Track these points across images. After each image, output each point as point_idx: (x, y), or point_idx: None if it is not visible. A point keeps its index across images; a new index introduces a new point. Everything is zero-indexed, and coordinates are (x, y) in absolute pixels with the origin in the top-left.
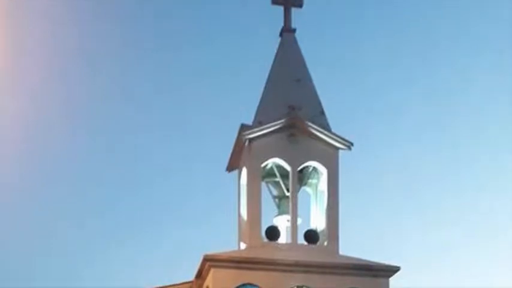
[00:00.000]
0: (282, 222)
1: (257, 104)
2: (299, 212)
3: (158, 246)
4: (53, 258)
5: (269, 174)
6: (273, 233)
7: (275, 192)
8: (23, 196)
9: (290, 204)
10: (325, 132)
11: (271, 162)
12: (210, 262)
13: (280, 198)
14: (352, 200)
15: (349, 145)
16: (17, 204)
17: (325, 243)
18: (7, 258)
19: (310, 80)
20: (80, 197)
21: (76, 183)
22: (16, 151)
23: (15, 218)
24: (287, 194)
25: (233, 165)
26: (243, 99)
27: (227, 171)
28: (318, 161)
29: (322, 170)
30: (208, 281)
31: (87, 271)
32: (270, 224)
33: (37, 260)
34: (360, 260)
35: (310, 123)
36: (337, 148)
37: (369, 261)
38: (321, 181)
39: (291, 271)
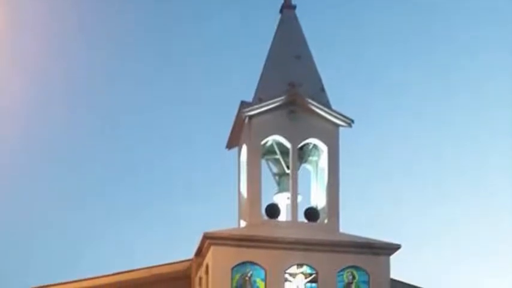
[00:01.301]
0: (282, 200)
1: (257, 81)
2: (299, 189)
3: (158, 224)
4: (53, 237)
5: (269, 151)
6: (273, 210)
7: (275, 170)
8: (23, 175)
9: (290, 181)
10: (326, 109)
11: (271, 139)
12: (209, 240)
13: (281, 176)
14: (353, 177)
15: (349, 122)
16: (17, 184)
17: (326, 221)
18: (7, 238)
19: (310, 56)
20: (80, 175)
21: (76, 161)
22: (16, 130)
23: (15, 197)
24: (287, 171)
25: (233, 142)
26: (243, 76)
27: (227, 149)
28: (318, 138)
29: (323, 147)
30: (208, 258)
31: (86, 250)
32: (270, 202)
33: (37, 239)
34: (361, 237)
35: (310, 100)
36: (338, 125)
37: (369, 239)
38: (321, 158)
39: (291, 249)
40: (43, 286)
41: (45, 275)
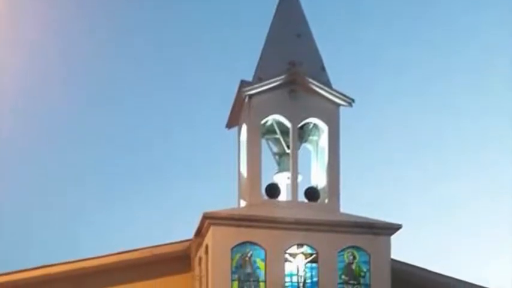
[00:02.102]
0: (282, 180)
1: (257, 59)
2: (299, 169)
3: (157, 204)
4: (51, 215)
5: (269, 131)
6: (273, 190)
7: (275, 149)
8: (21, 152)
9: (290, 161)
10: (326, 88)
11: (271, 118)
12: (209, 220)
13: (281, 155)
14: (353, 157)
15: (350, 101)
16: (15, 160)
17: (326, 201)
18: (6, 214)
19: (310, 35)
20: (79, 153)
21: (75, 139)
22: (15, 106)
23: (14, 174)
24: (287, 151)
25: (233, 122)
26: (243, 55)
27: (227, 128)
28: (318, 117)
29: (323, 127)
30: (208, 239)
31: (85, 228)
32: (270, 182)
33: (36, 216)
34: (361, 217)
35: (310, 79)
36: (338, 104)
37: (370, 219)
38: (322, 138)
39: (291, 229)
40: (45, 265)
41: (44, 255)
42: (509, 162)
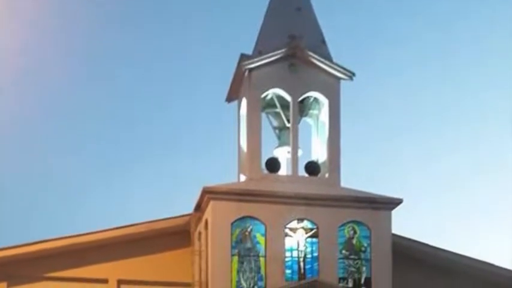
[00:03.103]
0: (283, 154)
1: (257, 33)
2: (300, 143)
3: (157, 178)
4: (52, 191)
5: (269, 104)
6: (273, 164)
7: (275, 123)
8: (22, 126)
9: (291, 135)
10: (327, 61)
11: (271, 92)
12: (209, 194)
13: (281, 130)
14: (354, 131)
15: (350, 75)
16: (16, 135)
17: (326, 175)
18: (7, 186)
19: (311, 8)
20: (79, 128)
21: (75, 113)
22: (15, 81)
23: (15, 148)
24: (287, 125)
25: (233, 95)
26: (243, 29)
27: (227, 102)
28: (319, 91)
29: (324, 101)
30: (207, 213)
31: (85, 204)
32: (270, 156)
33: (36, 191)
34: (362, 192)
35: (311, 53)
36: (339, 78)
37: (370, 194)
38: (322, 112)
39: (291, 203)
40: (43, 240)
41: (43, 230)
42: (510, 136)
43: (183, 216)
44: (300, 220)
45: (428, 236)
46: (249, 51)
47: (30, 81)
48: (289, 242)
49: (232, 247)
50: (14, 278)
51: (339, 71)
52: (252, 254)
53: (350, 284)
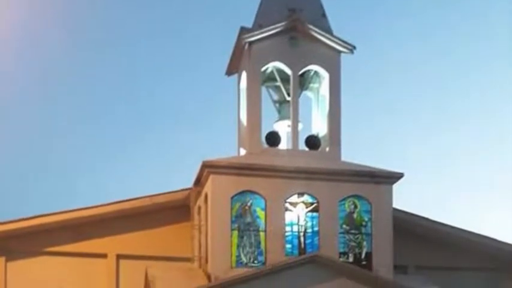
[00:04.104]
0: (283, 128)
1: (257, 6)
2: (300, 117)
3: (156, 152)
4: (51, 166)
5: (269, 78)
6: (273, 138)
7: (275, 97)
8: (22, 106)
9: (291, 109)
10: (327, 35)
11: (271, 66)
12: (209, 168)
13: (281, 103)
14: (355, 105)
15: (351, 48)
16: (16, 115)
17: (327, 149)
18: (6, 160)
19: None
20: (78, 102)
21: (74, 88)
22: (17, 53)
23: (13, 129)
24: (288, 98)
25: (233, 69)
26: (244, 2)
27: (226, 75)
28: (319, 64)
29: (324, 74)
30: (207, 187)
31: (85, 178)
32: (270, 130)
33: (35, 166)
34: (363, 166)
35: (311, 26)
36: (339, 51)
37: (371, 168)
38: (323, 85)
39: (291, 177)
40: (43, 215)
41: (42, 204)
42: (510, 112)
43: (182, 190)
44: (300, 194)
45: (429, 210)
46: (249, 25)
47: (31, 53)
48: (289, 217)
49: (232, 221)
50: (13, 253)
51: (339, 44)
52: (252, 228)
53: (351, 259)
